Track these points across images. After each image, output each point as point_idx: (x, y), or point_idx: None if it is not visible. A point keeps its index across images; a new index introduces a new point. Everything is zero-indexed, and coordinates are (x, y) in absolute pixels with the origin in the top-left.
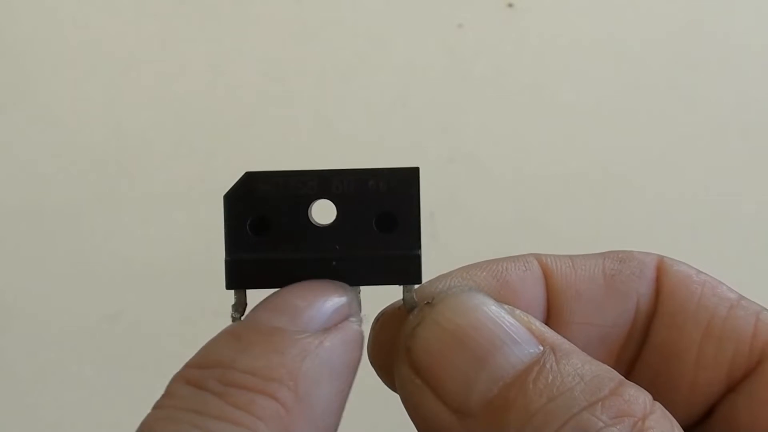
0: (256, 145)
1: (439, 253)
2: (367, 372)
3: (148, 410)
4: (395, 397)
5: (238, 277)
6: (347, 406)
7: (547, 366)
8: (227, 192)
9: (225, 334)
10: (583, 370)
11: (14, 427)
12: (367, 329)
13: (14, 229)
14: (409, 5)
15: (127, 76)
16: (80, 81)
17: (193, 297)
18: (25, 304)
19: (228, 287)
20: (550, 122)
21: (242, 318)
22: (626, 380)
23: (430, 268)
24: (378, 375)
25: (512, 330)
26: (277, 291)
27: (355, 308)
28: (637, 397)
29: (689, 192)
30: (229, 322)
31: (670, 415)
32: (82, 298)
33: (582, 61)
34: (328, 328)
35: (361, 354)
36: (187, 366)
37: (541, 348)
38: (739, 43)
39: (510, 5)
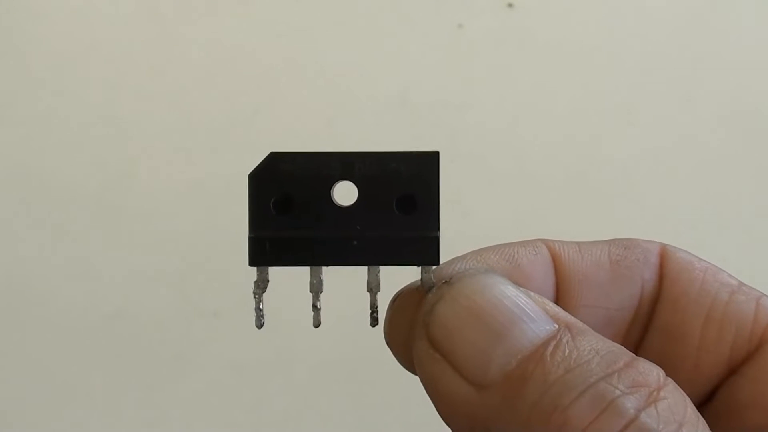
0: (255, 145)
1: (440, 252)
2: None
3: (148, 409)
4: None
5: (261, 255)
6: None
7: (564, 341)
8: (252, 171)
9: None
10: (597, 346)
11: (15, 425)
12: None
13: (15, 229)
14: (409, 5)
15: (126, 74)
16: (81, 80)
17: (193, 296)
18: (25, 303)
19: (251, 264)
20: (551, 122)
21: (262, 294)
22: (639, 357)
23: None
24: (394, 355)
25: (528, 308)
26: None
27: None
28: (651, 370)
29: (690, 191)
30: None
31: (681, 389)
32: (82, 298)
33: (582, 61)
34: None
35: None
36: None
37: (557, 326)
38: (741, 42)
39: (510, 5)
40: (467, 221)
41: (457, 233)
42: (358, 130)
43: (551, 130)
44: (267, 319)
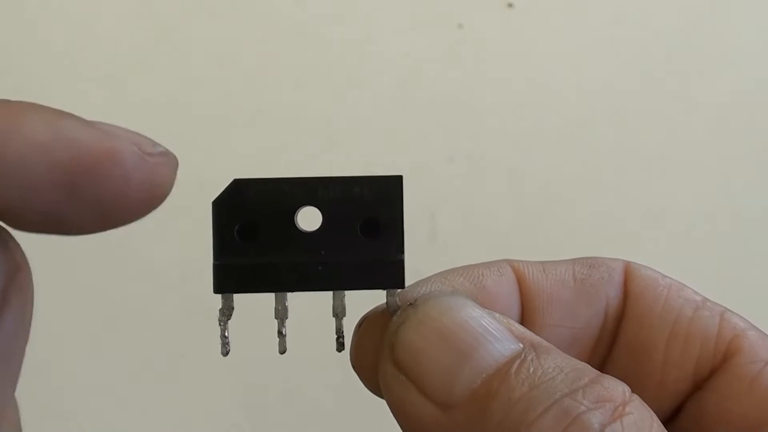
0: (255, 146)
1: (439, 253)
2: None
3: (147, 408)
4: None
5: (226, 282)
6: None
7: (529, 359)
8: (216, 198)
9: None
10: (562, 363)
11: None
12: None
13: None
14: (409, 5)
15: (126, 76)
16: (81, 82)
17: (192, 297)
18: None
19: (216, 291)
20: (550, 122)
21: (228, 322)
22: (603, 374)
23: (430, 268)
24: (361, 379)
25: (493, 328)
26: None
27: None
28: (616, 386)
29: (690, 194)
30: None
31: (646, 405)
32: (82, 297)
33: (582, 61)
34: None
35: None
36: None
37: (522, 345)
38: (739, 43)
39: (510, 5)
40: (466, 222)
41: (456, 233)
42: (358, 131)
43: (551, 130)
44: (266, 321)
